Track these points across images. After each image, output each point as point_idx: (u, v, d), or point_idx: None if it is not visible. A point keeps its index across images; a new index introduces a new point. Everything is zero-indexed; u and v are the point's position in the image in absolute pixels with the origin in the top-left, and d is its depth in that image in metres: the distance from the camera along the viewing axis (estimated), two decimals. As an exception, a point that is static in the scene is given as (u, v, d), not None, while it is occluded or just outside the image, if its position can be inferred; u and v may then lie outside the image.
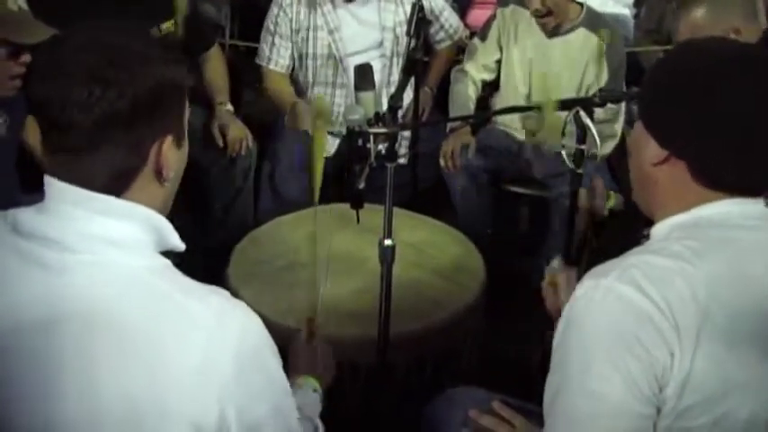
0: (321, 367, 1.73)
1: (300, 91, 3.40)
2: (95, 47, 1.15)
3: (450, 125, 3.29)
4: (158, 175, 1.21)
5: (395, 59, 3.32)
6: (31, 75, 1.19)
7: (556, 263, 1.88)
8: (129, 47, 1.17)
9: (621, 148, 3.38)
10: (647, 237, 1.43)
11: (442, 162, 3.20)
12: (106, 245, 1.16)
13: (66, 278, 1.14)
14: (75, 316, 1.12)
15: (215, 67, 3.29)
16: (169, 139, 1.21)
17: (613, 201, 2.27)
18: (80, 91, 1.11)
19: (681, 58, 1.41)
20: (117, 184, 1.18)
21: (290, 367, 1.69)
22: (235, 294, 2.19)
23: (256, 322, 1.21)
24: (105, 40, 1.17)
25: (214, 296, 1.19)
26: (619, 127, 3.15)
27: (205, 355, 1.13)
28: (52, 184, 1.17)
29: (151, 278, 1.17)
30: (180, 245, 1.26)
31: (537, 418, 1.39)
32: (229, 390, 1.14)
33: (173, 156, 1.22)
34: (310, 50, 3.26)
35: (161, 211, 1.26)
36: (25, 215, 1.19)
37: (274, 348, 1.24)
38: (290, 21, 3.23)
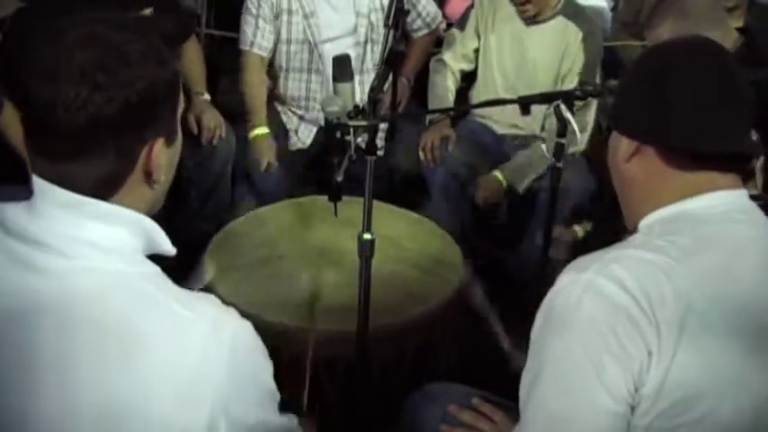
0: None
1: (274, 77, 3.37)
2: (90, 45, 1.10)
3: (429, 117, 3.28)
4: (148, 177, 1.18)
5: (369, 47, 3.30)
6: (20, 69, 1.13)
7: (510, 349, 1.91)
8: (127, 45, 1.12)
9: (599, 144, 3.39)
10: (632, 232, 1.43)
11: (421, 155, 3.19)
12: (96, 250, 1.13)
13: (57, 281, 1.11)
14: (56, 311, 1.10)
15: (192, 56, 3.26)
16: (160, 141, 1.17)
17: (581, 233, 2.31)
18: (67, 92, 1.08)
19: (637, 60, 1.48)
20: (104, 189, 1.15)
21: None
22: (211, 287, 2.20)
23: (248, 329, 1.20)
24: (102, 36, 1.11)
25: (206, 304, 1.18)
26: (591, 118, 3.15)
27: (199, 364, 1.11)
28: (40, 184, 1.14)
29: (143, 284, 1.15)
30: (170, 249, 1.24)
31: (517, 413, 1.39)
32: (222, 398, 1.13)
33: (164, 157, 1.19)
34: (285, 35, 3.23)
35: (150, 211, 1.23)
36: (13, 213, 1.16)
37: (265, 352, 1.24)
38: (272, 5, 3.20)
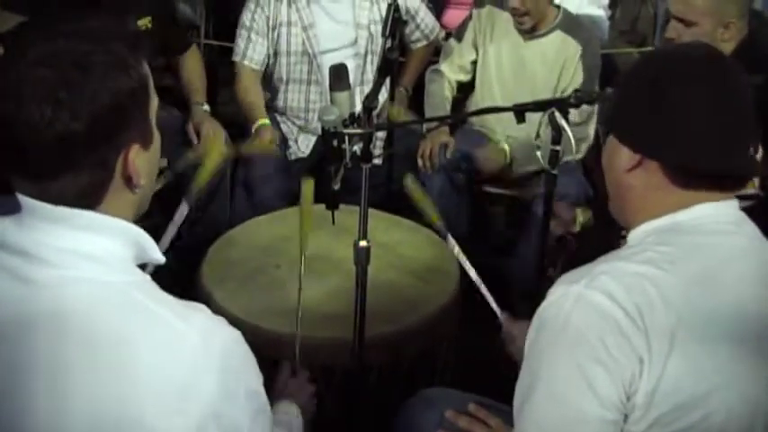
0: (303, 400, 1.74)
1: (274, 88, 3.39)
2: (53, 60, 1.09)
3: (426, 126, 3.28)
4: (128, 183, 1.18)
5: (369, 58, 3.31)
6: None
7: (503, 317, 1.97)
8: (88, 58, 1.11)
9: (597, 152, 3.40)
10: (625, 239, 1.44)
11: (420, 162, 3.19)
12: (84, 259, 1.14)
13: (46, 292, 1.12)
14: (48, 321, 1.11)
15: (192, 67, 3.28)
16: (135, 147, 1.17)
17: (582, 218, 2.31)
18: (31, 112, 1.07)
19: (637, 66, 1.46)
20: (87, 201, 1.15)
21: (273, 393, 1.71)
22: (208, 295, 2.21)
23: (239, 339, 1.20)
24: (65, 50, 1.10)
25: (196, 313, 1.17)
26: (592, 129, 3.16)
27: (189, 373, 1.12)
28: (25, 201, 1.15)
29: (132, 293, 1.15)
30: (160, 258, 1.24)
31: (512, 418, 1.39)
32: (212, 408, 1.13)
33: (141, 161, 1.19)
34: (284, 47, 3.25)
35: (138, 213, 1.24)
36: (1, 226, 1.16)
37: (255, 363, 1.24)
38: (267, 18, 3.21)
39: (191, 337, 1.13)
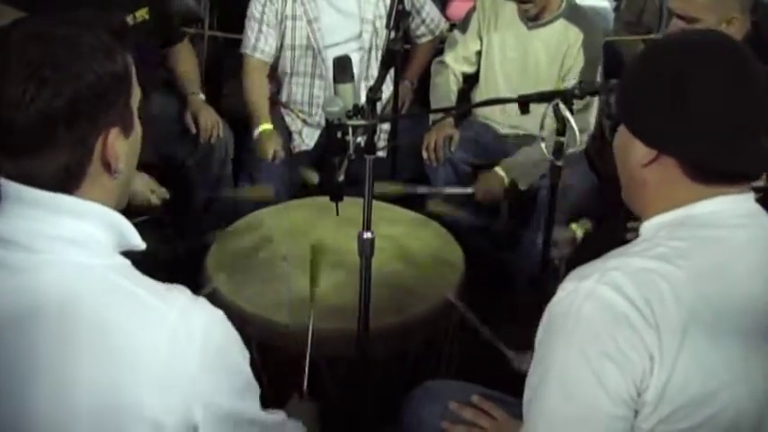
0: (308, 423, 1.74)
1: (278, 81, 3.38)
2: (38, 42, 1.12)
3: (431, 118, 3.28)
4: (107, 167, 1.20)
5: (374, 52, 3.31)
6: None
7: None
8: (75, 40, 1.13)
9: (600, 140, 3.39)
10: (634, 230, 1.42)
11: (424, 154, 3.18)
12: (63, 243, 1.15)
13: (28, 277, 1.13)
14: (41, 312, 1.11)
15: (186, 58, 3.27)
16: (115, 131, 1.19)
17: (581, 231, 2.31)
18: (14, 89, 1.10)
19: (652, 56, 1.41)
20: (66, 182, 1.16)
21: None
22: (213, 286, 2.21)
23: (220, 318, 1.22)
24: (50, 33, 1.13)
25: (177, 294, 1.19)
26: (592, 118, 3.15)
27: (170, 352, 1.13)
28: (5, 185, 1.16)
29: (112, 276, 1.16)
30: (140, 244, 1.25)
31: (517, 409, 1.39)
32: (195, 387, 1.15)
33: (121, 147, 1.20)
34: (289, 40, 3.24)
35: (118, 204, 1.25)
36: None
37: (240, 342, 1.25)
38: (277, 11, 3.21)
39: (170, 316, 1.15)
